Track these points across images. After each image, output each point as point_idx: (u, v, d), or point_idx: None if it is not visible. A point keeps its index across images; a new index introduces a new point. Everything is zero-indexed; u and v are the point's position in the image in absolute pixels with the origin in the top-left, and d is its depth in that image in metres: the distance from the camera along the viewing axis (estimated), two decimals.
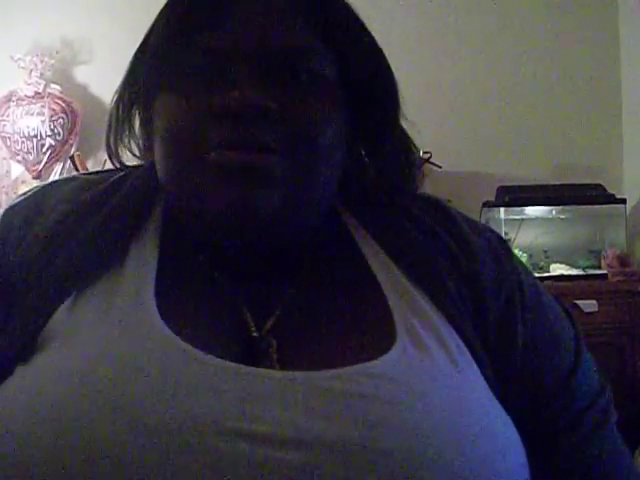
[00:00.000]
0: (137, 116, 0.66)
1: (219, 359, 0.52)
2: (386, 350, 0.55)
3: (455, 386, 0.54)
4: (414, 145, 0.69)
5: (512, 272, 0.65)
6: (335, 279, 0.63)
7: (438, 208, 0.68)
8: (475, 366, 0.57)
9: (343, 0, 0.64)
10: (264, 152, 0.57)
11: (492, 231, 0.70)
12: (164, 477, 0.46)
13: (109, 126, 0.67)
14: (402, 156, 0.68)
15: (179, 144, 0.59)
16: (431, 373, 0.54)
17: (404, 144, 0.68)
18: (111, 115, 0.67)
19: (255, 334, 0.58)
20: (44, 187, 0.67)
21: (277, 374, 0.53)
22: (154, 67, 0.62)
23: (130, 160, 0.70)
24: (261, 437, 0.48)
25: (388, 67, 0.65)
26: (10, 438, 0.49)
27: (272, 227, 0.59)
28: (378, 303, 0.60)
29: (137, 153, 0.68)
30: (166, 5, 0.62)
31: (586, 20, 3.28)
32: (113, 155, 0.68)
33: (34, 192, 0.66)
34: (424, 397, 0.52)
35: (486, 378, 0.57)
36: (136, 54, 0.65)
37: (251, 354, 0.56)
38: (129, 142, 0.67)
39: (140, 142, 0.68)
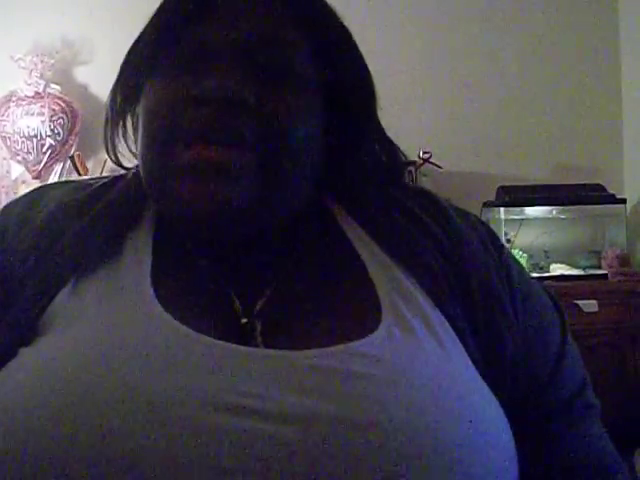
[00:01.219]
0: (129, 116, 0.68)
1: (210, 338, 0.55)
2: (372, 330, 0.56)
3: (440, 364, 0.55)
4: (392, 142, 0.70)
5: (500, 260, 0.66)
6: (321, 263, 0.65)
7: (427, 198, 0.69)
8: (460, 345, 0.59)
9: (324, 1, 0.66)
10: (237, 147, 0.58)
11: (480, 220, 0.72)
12: (158, 452, 0.48)
13: (105, 126, 0.69)
14: (381, 151, 0.70)
15: (156, 130, 0.61)
16: (416, 352, 0.56)
17: (382, 139, 0.70)
18: (106, 116, 0.69)
19: (244, 320, 0.60)
20: (41, 187, 0.70)
21: (265, 352, 0.56)
22: (141, 64, 0.64)
23: (129, 160, 0.71)
24: (250, 411, 0.50)
25: (365, 67, 0.68)
26: (14, 418, 0.50)
27: (242, 222, 0.61)
28: (364, 285, 0.62)
29: (132, 154, 0.70)
30: (158, 6, 0.65)
31: (586, 20, 3.27)
32: (112, 154, 0.70)
33: (31, 191, 0.69)
34: (408, 374, 0.53)
35: (473, 360, 0.59)
36: (126, 55, 0.67)
37: (239, 336, 0.58)
38: (125, 141, 0.69)
39: (133, 143, 0.69)
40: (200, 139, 0.58)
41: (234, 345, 0.55)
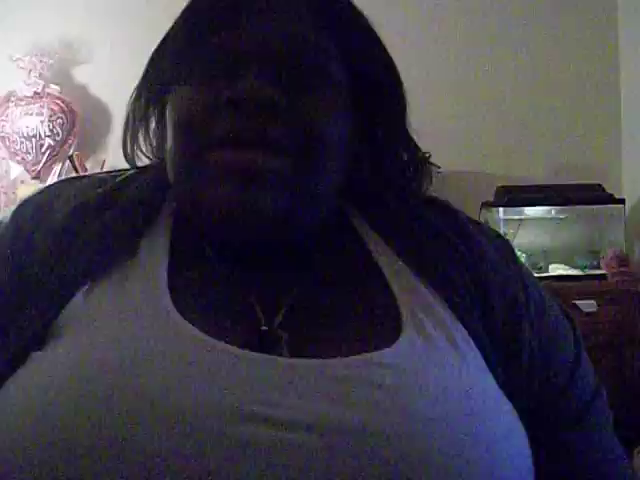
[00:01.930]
0: (153, 116, 0.68)
1: (233, 347, 0.54)
2: (393, 341, 0.56)
3: (460, 376, 0.55)
4: (419, 149, 0.70)
5: (517, 273, 0.67)
6: (342, 273, 0.64)
7: (445, 210, 0.69)
8: (480, 357, 0.59)
9: (353, 5, 0.65)
10: (270, 152, 0.57)
11: (497, 233, 0.72)
12: (182, 462, 0.47)
13: (126, 124, 0.68)
14: (408, 159, 0.69)
15: (188, 134, 0.60)
16: (436, 363, 0.56)
17: (410, 147, 0.69)
18: (128, 114, 0.68)
19: (264, 327, 0.59)
20: (56, 184, 0.69)
21: (290, 361, 0.55)
22: (170, 66, 0.63)
23: (142, 162, 0.70)
24: (277, 421, 0.49)
25: (397, 73, 0.67)
26: (27, 425, 0.49)
27: (275, 228, 0.60)
28: (385, 296, 0.61)
29: (149, 154, 0.69)
30: (184, 8, 0.64)
31: (586, 20, 3.28)
32: (129, 154, 0.69)
33: (46, 188, 0.68)
34: (430, 385, 0.53)
35: (493, 373, 0.59)
36: (153, 55, 0.66)
37: (262, 345, 0.57)
38: (145, 141, 0.68)
39: (154, 142, 0.69)
40: (233, 142, 0.57)
41: (258, 354, 0.54)
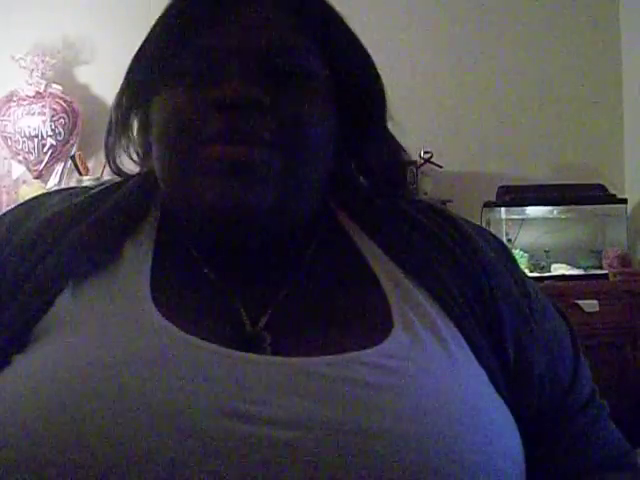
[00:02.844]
0: (135, 121, 0.68)
1: (215, 345, 0.54)
2: (381, 340, 0.56)
3: (448, 375, 0.56)
4: (401, 147, 0.70)
5: (518, 276, 0.67)
6: (331, 274, 0.65)
7: (440, 213, 0.69)
8: (472, 357, 0.59)
9: (330, 5, 0.67)
10: (258, 145, 0.58)
11: (494, 236, 0.72)
12: (162, 457, 0.48)
13: (108, 131, 0.68)
14: (389, 157, 0.69)
15: (175, 136, 0.61)
16: (424, 363, 0.56)
17: (390, 145, 0.69)
18: (110, 120, 0.68)
19: (249, 329, 0.60)
20: (40, 195, 0.70)
21: (271, 359, 0.55)
22: (151, 68, 0.64)
23: (127, 166, 0.70)
24: (257, 418, 0.50)
25: (376, 71, 0.68)
26: (10, 431, 0.49)
27: (266, 221, 0.61)
28: (375, 296, 0.62)
29: (135, 158, 0.70)
30: (163, 11, 0.65)
31: (586, 20, 3.27)
32: (111, 160, 0.69)
33: (28, 200, 0.69)
34: (416, 384, 0.53)
35: (492, 375, 0.59)
36: (133, 59, 0.66)
37: (246, 347, 0.57)
38: (127, 147, 0.69)
39: (138, 148, 0.69)
40: (222, 140, 0.58)
41: (241, 352, 0.54)
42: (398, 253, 0.64)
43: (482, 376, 0.58)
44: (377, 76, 0.68)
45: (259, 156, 0.58)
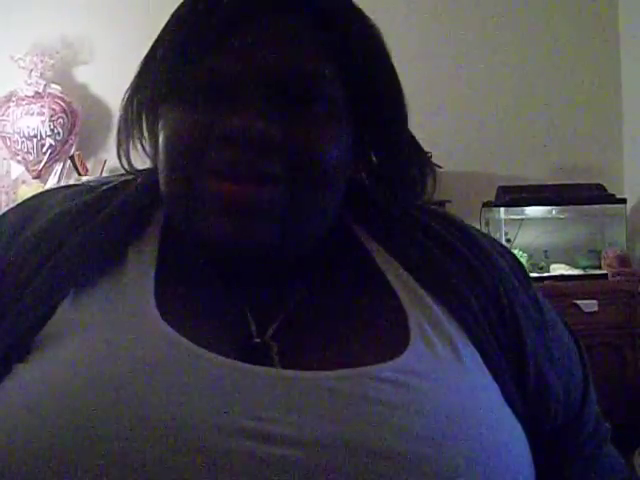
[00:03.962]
0: (146, 121, 0.65)
1: (221, 357, 0.52)
2: (397, 354, 0.54)
3: (464, 394, 0.54)
4: (424, 153, 0.67)
5: (531, 290, 0.66)
6: (345, 284, 0.62)
7: (455, 225, 0.67)
8: (489, 375, 0.57)
9: (353, 15, 0.62)
10: (264, 183, 0.55)
11: (505, 247, 0.70)
12: (168, 474, 0.46)
13: (119, 129, 0.65)
14: (413, 165, 0.66)
15: (180, 162, 0.58)
16: (440, 380, 0.54)
17: (415, 153, 0.66)
18: (120, 119, 0.65)
19: (257, 339, 0.58)
20: (43, 192, 0.67)
21: (281, 373, 0.53)
22: (162, 77, 0.60)
23: (141, 161, 0.68)
24: (265, 436, 0.48)
25: (398, 85, 0.64)
26: (12, 441, 0.48)
27: (273, 253, 0.58)
28: (392, 309, 0.59)
29: (145, 156, 0.67)
30: (177, 10, 0.60)
31: (586, 21, 3.28)
32: (124, 158, 0.66)
33: (32, 197, 0.66)
34: (429, 402, 0.51)
35: (507, 392, 0.57)
36: (145, 60, 0.63)
37: (253, 357, 0.55)
38: (141, 144, 0.65)
39: (148, 146, 0.66)
40: (228, 177, 0.55)
41: (249, 365, 0.52)
42: (417, 267, 0.62)
43: (499, 397, 0.57)
44: (399, 90, 0.64)
45: (267, 195, 0.55)
